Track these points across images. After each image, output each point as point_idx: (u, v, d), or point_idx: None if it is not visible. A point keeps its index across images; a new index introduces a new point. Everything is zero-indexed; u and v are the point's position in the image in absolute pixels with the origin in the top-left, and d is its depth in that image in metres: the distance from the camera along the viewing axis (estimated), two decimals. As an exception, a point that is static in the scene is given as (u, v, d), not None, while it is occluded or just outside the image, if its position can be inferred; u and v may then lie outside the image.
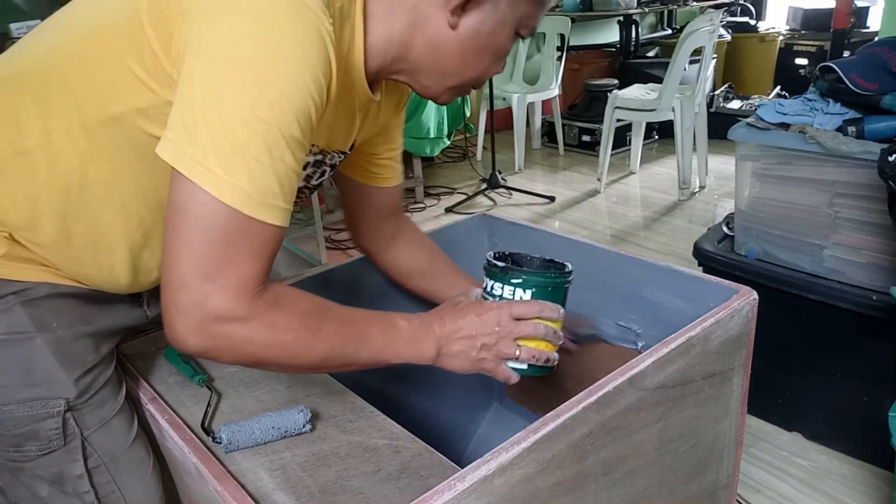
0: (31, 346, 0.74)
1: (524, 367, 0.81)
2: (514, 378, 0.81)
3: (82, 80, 0.69)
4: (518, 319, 0.79)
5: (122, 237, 0.76)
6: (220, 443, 0.73)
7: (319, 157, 0.84)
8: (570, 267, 0.86)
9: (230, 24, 0.61)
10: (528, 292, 0.81)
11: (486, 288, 0.84)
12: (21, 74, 0.73)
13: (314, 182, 0.88)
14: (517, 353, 0.79)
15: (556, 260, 0.89)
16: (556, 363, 0.83)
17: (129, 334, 0.92)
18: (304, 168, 0.83)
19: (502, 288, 0.82)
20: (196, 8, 0.62)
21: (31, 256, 0.75)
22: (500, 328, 0.78)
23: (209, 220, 0.60)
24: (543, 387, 1.33)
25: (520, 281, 0.81)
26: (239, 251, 0.61)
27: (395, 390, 1.17)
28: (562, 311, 0.82)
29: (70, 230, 0.74)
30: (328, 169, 0.88)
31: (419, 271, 1.08)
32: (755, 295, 0.93)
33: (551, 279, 0.82)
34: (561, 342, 0.83)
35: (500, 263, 0.83)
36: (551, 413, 0.69)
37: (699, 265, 1.79)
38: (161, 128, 0.63)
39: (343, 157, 0.90)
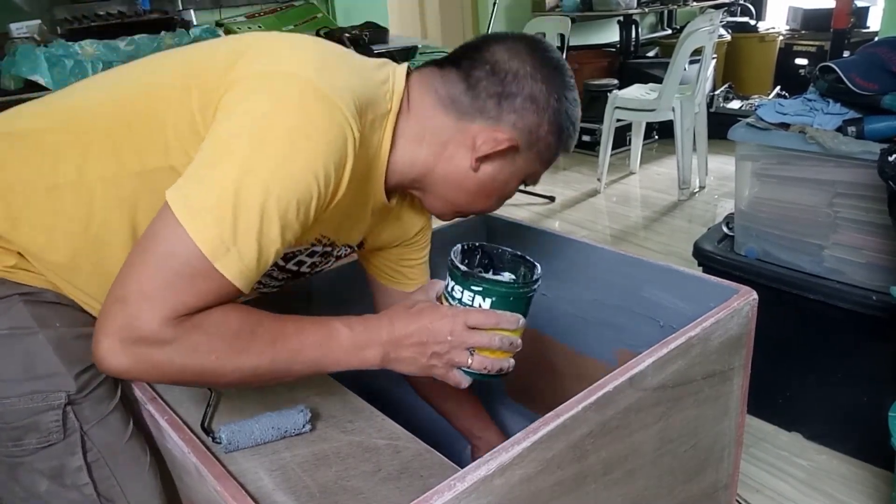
0: (34, 341, 0.75)
1: (477, 373, 0.78)
2: (465, 383, 0.78)
3: (128, 135, 0.74)
4: (473, 328, 0.76)
5: None
6: (220, 443, 0.73)
7: (328, 248, 0.89)
8: (538, 271, 0.81)
9: (267, 104, 0.67)
10: (488, 301, 0.77)
11: (447, 287, 0.80)
12: (74, 113, 0.77)
13: (317, 269, 0.94)
14: (469, 361, 0.76)
15: (528, 258, 0.84)
16: (510, 370, 0.80)
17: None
18: (312, 256, 0.89)
19: (462, 292, 0.78)
20: (243, 83, 0.69)
21: (39, 273, 0.77)
22: (453, 338, 0.75)
23: (173, 251, 0.62)
24: (543, 387, 1.33)
25: (480, 289, 0.77)
26: (187, 287, 0.62)
27: (395, 390, 1.17)
28: (522, 321, 0.78)
29: (80, 263, 0.76)
30: (334, 260, 0.95)
31: None
32: (755, 295, 0.93)
33: (513, 289, 0.78)
34: (518, 350, 0.80)
35: (461, 267, 0.78)
36: (551, 413, 0.69)
37: (699, 265, 1.79)
38: None
39: (350, 251, 0.96)
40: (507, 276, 0.85)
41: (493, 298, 0.77)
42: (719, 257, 1.74)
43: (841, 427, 1.65)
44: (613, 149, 3.72)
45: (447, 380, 0.78)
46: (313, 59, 0.71)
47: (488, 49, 0.81)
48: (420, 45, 3.06)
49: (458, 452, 1.29)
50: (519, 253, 0.86)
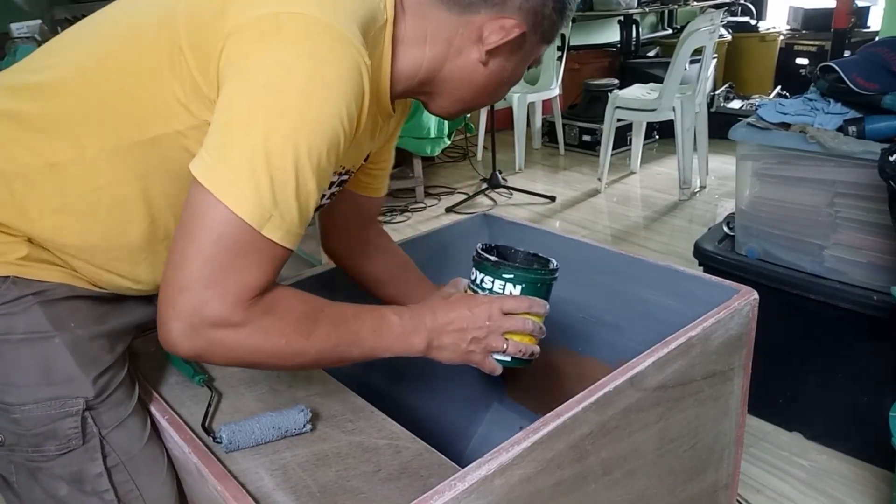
0: (50, 346, 0.74)
1: (508, 359, 0.83)
2: (499, 370, 0.83)
3: (122, 103, 0.71)
4: (507, 314, 0.81)
5: (147, 249, 0.78)
6: (221, 443, 0.73)
7: (346, 177, 0.89)
8: (555, 263, 0.89)
9: (278, 53, 0.63)
10: (518, 287, 0.83)
11: (474, 280, 0.86)
12: (58, 85, 0.73)
13: (333, 194, 0.92)
14: (505, 346, 0.81)
15: (540, 254, 0.92)
16: (537, 356, 0.85)
17: (138, 332, 0.91)
18: (331, 187, 0.87)
19: (493, 282, 0.84)
20: (245, 33, 0.64)
21: (52, 259, 0.76)
22: (491, 322, 0.80)
23: (222, 230, 0.61)
24: (544, 387, 1.33)
25: (511, 276, 0.83)
26: (245, 264, 0.62)
27: (395, 390, 1.17)
28: (547, 306, 0.85)
29: (94, 241, 0.75)
30: (347, 179, 0.92)
31: (391, 279, 1.09)
32: (756, 295, 0.93)
33: (541, 276, 0.85)
34: (543, 336, 0.85)
35: (491, 258, 0.84)
36: (551, 413, 0.69)
37: (700, 265, 1.79)
38: (199, 146, 0.64)
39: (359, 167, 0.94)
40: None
41: (524, 285, 0.83)
42: (720, 257, 1.74)
43: (841, 427, 1.65)
44: (614, 149, 3.72)
45: (483, 366, 0.83)
46: None
47: None
48: None
49: (459, 452, 1.29)
50: (532, 251, 0.93)
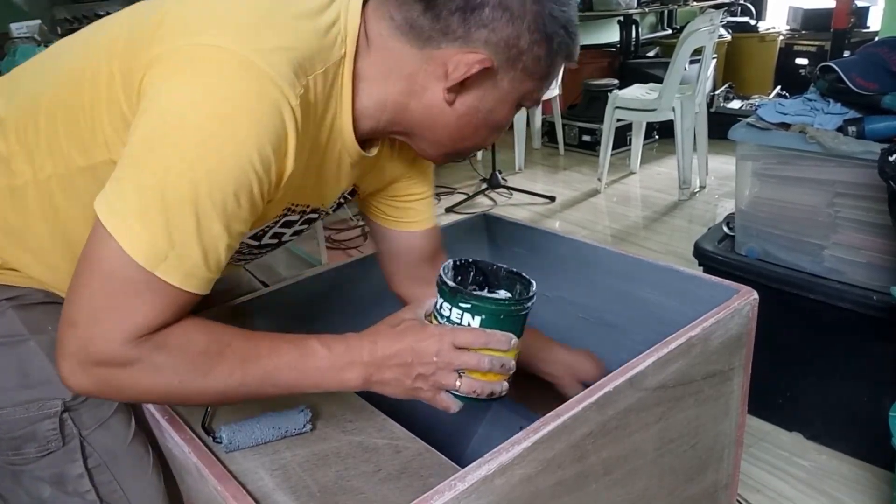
0: (26, 349, 0.75)
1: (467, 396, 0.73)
2: (455, 407, 0.72)
3: (68, 128, 0.69)
4: (461, 349, 0.70)
5: None
6: (221, 443, 0.73)
7: (313, 215, 0.85)
8: (534, 288, 0.76)
9: (186, 89, 0.60)
10: (477, 319, 0.71)
11: (436, 304, 0.75)
12: (13, 111, 0.73)
13: (306, 231, 0.89)
14: (457, 384, 0.70)
15: (524, 275, 0.79)
16: (504, 393, 0.74)
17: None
18: (291, 226, 0.83)
19: (450, 310, 0.72)
20: (162, 64, 0.62)
21: (23, 272, 0.77)
22: (439, 358, 0.69)
23: (112, 268, 0.59)
24: (544, 386, 1.33)
25: (468, 306, 0.71)
26: (135, 304, 0.60)
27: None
28: (514, 340, 0.72)
29: (57, 264, 0.75)
30: (325, 215, 0.90)
31: None
32: (755, 295, 0.93)
33: (504, 307, 0.72)
34: (512, 372, 0.74)
35: (449, 283, 0.72)
36: (551, 413, 0.69)
37: (699, 265, 1.79)
38: None
39: (345, 201, 0.91)
40: (502, 294, 0.79)
41: (483, 316, 0.72)
42: (720, 257, 1.74)
43: (841, 427, 1.65)
44: (614, 149, 3.72)
45: (435, 404, 0.73)
46: (240, 20, 0.63)
47: None
48: None
49: (459, 452, 1.29)
50: (514, 270, 0.80)
